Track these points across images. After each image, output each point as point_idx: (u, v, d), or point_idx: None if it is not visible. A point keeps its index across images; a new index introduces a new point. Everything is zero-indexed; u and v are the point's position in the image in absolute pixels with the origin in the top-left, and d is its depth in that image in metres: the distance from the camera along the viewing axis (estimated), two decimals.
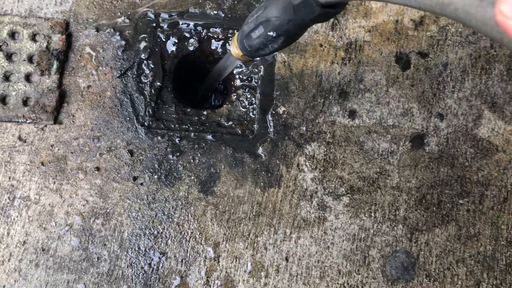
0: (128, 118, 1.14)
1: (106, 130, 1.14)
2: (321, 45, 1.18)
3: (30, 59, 1.19)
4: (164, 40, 1.20)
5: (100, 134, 1.13)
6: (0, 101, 1.15)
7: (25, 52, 1.19)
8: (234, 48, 0.81)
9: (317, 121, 1.14)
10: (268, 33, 0.63)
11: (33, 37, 1.20)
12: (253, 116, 1.18)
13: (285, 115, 1.15)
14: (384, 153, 1.10)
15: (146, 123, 1.15)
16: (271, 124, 1.16)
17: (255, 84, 1.20)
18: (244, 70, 1.21)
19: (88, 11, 1.20)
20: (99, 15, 1.20)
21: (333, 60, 1.18)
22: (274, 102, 1.16)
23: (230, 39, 1.19)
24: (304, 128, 1.14)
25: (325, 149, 1.10)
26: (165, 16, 1.20)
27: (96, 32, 1.18)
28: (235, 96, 1.24)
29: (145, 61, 1.18)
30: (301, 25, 0.60)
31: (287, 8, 0.58)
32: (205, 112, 1.21)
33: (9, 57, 1.19)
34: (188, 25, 1.19)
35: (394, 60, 1.18)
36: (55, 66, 1.17)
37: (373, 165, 1.09)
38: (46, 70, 1.19)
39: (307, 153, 1.11)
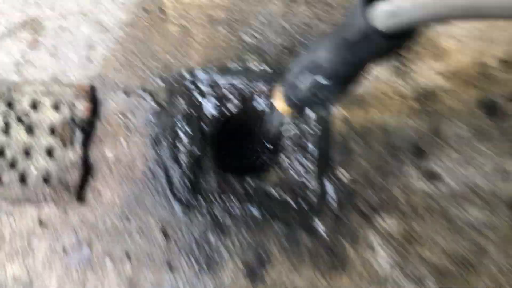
0: (162, 193, 1.70)
1: (136, 208, 1.71)
2: (386, 95, 1.72)
3: (52, 131, 1.87)
4: (202, 101, 1.82)
5: (130, 213, 1.71)
6: (19, 180, 1.79)
7: (46, 123, 1.87)
8: (278, 102, 1.03)
9: (387, 186, 1.62)
10: (317, 79, 0.78)
11: (55, 106, 1.89)
12: (309, 184, 1.70)
13: (347, 181, 1.64)
14: (476, 224, 1.53)
15: (182, 198, 1.70)
16: (332, 192, 1.65)
17: (310, 145, 1.75)
18: (296, 129, 1.78)
19: (116, 73, 1.87)
20: (128, 77, 1.87)
21: (402, 112, 1.66)
22: (334, 165, 1.69)
23: None
24: (373, 196, 1.62)
25: (401, 221, 1.52)
26: (202, 74, 1.84)
27: (125, 96, 1.84)
28: (287, 160, 1.78)
29: (181, 126, 1.79)
30: (358, 66, 0.74)
31: (340, 45, 0.72)
32: (251, 181, 1.75)
33: (30, 130, 1.87)
34: (229, 83, 1.80)
35: (479, 108, 1.67)
36: (79, 137, 1.82)
37: (463, 240, 1.51)
38: (69, 142, 1.84)
39: (378, 227, 1.47)
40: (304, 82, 0.88)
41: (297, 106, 1.01)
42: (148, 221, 1.57)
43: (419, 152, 1.57)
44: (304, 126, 1.72)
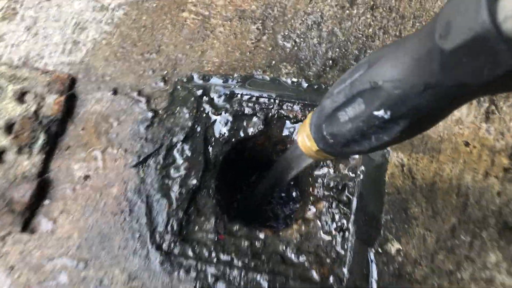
0: (137, 234, 1.38)
1: (100, 251, 1.38)
2: (467, 144, 1.39)
3: (8, 128, 1.56)
4: (212, 116, 1.51)
5: (89, 256, 1.37)
6: None
7: (3, 117, 1.57)
8: (304, 138, 0.89)
9: (459, 275, 1.27)
10: (375, 113, 0.65)
11: (19, 96, 1.59)
12: (343, 252, 1.35)
13: (400, 258, 1.31)
14: None
15: (164, 246, 1.37)
16: (374, 269, 1.31)
17: (350, 197, 1.41)
18: (332, 172, 1.45)
19: (106, 65, 1.59)
20: (121, 71, 1.58)
21: (488, 171, 1.36)
22: (382, 231, 1.34)
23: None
24: (436, 286, 1.27)
25: None
26: (218, 81, 1.54)
27: (113, 95, 1.54)
28: (314, 213, 1.44)
29: (178, 146, 1.47)
30: (449, 94, 0.57)
31: (423, 60, 0.57)
32: (262, 235, 1.42)
33: None
34: (251, 97, 1.50)
35: None
36: (41, 141, 1.50)
37: None
38: (26, 146, 1.53)
39: None
40: (351, 115, 0.71)
41: (331, 147, 0.83)
42: (112, 271, 1.22)
43: (508, 232, 1.20)
44: (346, 172, 1.37)
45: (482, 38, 0.46)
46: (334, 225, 1.37)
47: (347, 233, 1.35)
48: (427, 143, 1.37)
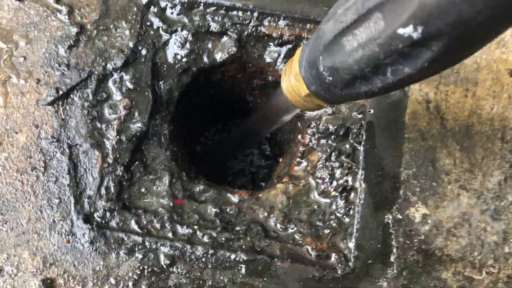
0: (56, 201, 0.97)
1: (8, 230, 0.97)
2: (511, 73, 1.06)
3: None
4: (163, 34, 1.07)
5: None
6: None
7: None
8: (290, 80, 0.75)
9: (507, 249, 0.96)
10: (399, 31, 0.52)
11: None
12: (347, 220, 1.00)
13: (427, 226, 0.97)
14: None
15: (96, 216, 0.96)
16: (392, 243, 0.97)
17: (355, 146, 1.04)
18: (330, 112, 1.06)
19: None
20: None
21: None
22: (402, 192, 0.99)
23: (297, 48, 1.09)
24: (477, 263, 0.95)
25: None
26: None
27: (17, 1, 1.08)
28: (306, 167, 1.07)
29: (115, 76, 1.04)
30: None
31: None
32: (235, 198, 1.04)
33: None
34: (219, 8, 1.06)
35: None
36: None
37: None
38: None
39: None
40: (361, 37, 0.57)
41: (328, 91, 0.68)
42: (18, 255, 0.86)
43: None
44: (348, 111, 1.02)
45: None
46: (335, 183, 1.02)
47: (352, 194, 1.00)
48: (459, 71, 1.02)
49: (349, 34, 0.59)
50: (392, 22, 0.53)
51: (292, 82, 0.76)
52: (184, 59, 1.08)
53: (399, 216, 0.97)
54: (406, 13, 0.51)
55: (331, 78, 0.65)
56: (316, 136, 1.07)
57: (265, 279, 0.94)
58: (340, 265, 0.95)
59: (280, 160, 1.35)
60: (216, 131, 1.48)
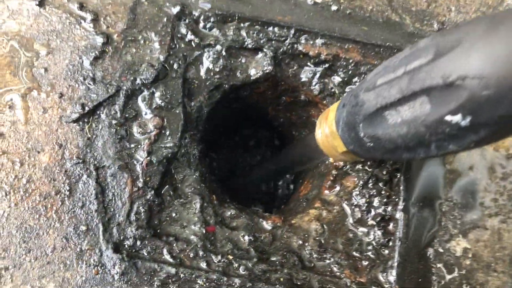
0: (83, 228, 0.91)
1: (22, 255, 0.90)
2: None
3: None
4: (195, 48, 1.01)
5: (5, 263, 0.89)
6: None
7: None
8: (325, 134, 0.75)
9: None
10: (447, 118, 0.52)
11: None
12: (387, 252, 0.97)
13: (468, 261, 0.96)
14: None
15: (127, 244, 0.91)
16: (435, 277, 0.96)
17: (393, 173, 1.02)
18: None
19: None
20: None
21: None
22: (444, 221, 0.98)
23: (334, 77, 1.05)
24: None
25: None
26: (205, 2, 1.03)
27: (38, 7, 1.00)
28: (338, 192, 1.05)
29: (145, 92, 0.98)
30: None
31: None
32: (268, 225, 1.00)
33: None
34: (255, 23, 1.00)
35: None
36: None
37: None
38: None
39: None
40: (405, 115, 0.58)
41: (368, 153, 0.67)
42: (45, 286, 0.79)
43: None
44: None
45: None
46: (372, 212, 0.99)
47: (391, 224, 0.98)
48: None
49: (392, 109, 0.60)
50: (440, 108, 0.53)
51: (328, 137, 0.76)
52: (217, 76, 1.03)
53: (440, 250, 0.96)
54: (454, 102, 0.51)
55: (372, 144, 0.66)
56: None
57: None
58: None
59: (302, 179, 1.32)
60: (232, 143, 1.44)
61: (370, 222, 1.00)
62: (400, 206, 0.99)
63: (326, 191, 1.07)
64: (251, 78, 1.06)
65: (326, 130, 0.76)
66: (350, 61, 1.05)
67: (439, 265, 0.96)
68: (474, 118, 0.51)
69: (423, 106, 0.55)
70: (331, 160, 0.87)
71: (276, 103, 1.20)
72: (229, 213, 1.01)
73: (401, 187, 1.00)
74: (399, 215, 0.98)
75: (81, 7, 0.99)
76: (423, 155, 0.60)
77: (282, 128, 1.39)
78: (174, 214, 0.97)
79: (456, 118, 0.52)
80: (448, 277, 0.95)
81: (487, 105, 0.49)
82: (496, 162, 1.00)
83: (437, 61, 0.53)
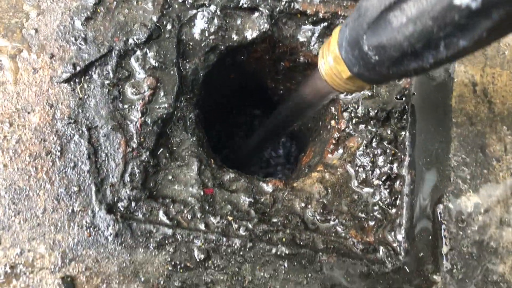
0: (75, 188, 0.88)
1: (11, 217, 0.87)
2: None
3: None
4: (190, 8, 0.99)
5: (6, 227, 0.86)
6: None
7: None
8: (328, 62, 0.73)
9: None
10: (456, 2, 0.49)
11: None
12: (394, 211, 0.93)
13: (480, 216, 0.92)
14: None
15: (121, 205, 0.87)
16: (444, 234, 0.92)
17: (398, 132, 0.98)
18: (368, 96, 1.00)
19: None
20: None
21: None
22: (453, 179, 0.94)
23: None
24: None
25: None
26: None
27: None
28: (342, 155, 1.01)
29: (138, 52, 0.95)
30: None
31: None
32: (268, 187, 0.96)
33: None
34: None
35: None
36: None
37: None
38: None
39: None
40: (411, 11, 0.54)
41: (373, 71, 0.64)
42: (33, 249, 0.76)
43: None
44: (388, 93, 0.97)
45: None
46: (377, 171, 0.96)
47: (398, 182, 0.94)
48: (505, 53, 0.98)
49: (396, 9, 0.56)
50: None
51: (332, 64, 0.73)
52: (212, 37, 1.01)
53: (450, 206, 0.92)
54: None
55: (377, 57, 0.62)
56: (354, 121, 1.01)
57: (309, 274, 0.87)
58: (389, 259, 0.89)
59: (304, 150, 1.28)
60: (231, 118, 1.40)
61: (376, 182, 0.97)
62: (406, 163, 0.95)
63: (329, 155, 1.04)
64: (248, 39, 1.03)
65: (329, 58, 0.73)
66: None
67: (450, 222, 0.91)
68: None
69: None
70: (337, 93, 0.83)
71: (275, 70, 1.18)
72: (228, 176, 0.98)
73: (407, 143, 0.96)
74: (405, 172, 0.95)
75: None
76: (432, 60, 0.57)
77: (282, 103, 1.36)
78: (170, 177, 0.93)
79: (466, 0, 0.48)
80: (460, 232, 0.91)
81: None
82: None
83: None
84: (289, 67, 1.15)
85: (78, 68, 0.92)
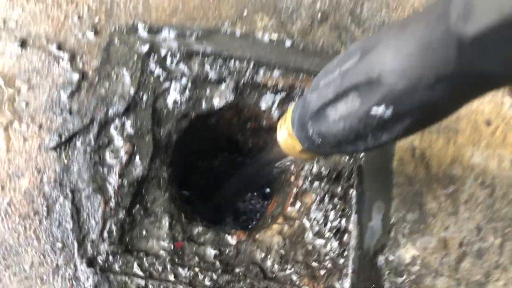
0: (59, 245, 1.00)
1: (1, 271, 0.99)
2: (488, 123, 1.17)
3: None
4: (162, 81, 1.14)
5: None
6: None
7: None
8: (285, 135, 0.83)
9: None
10: (373, 110, 0.59)
11: None
12: (342, 261, 1.07)
13: (417, 267, 1.05)
14: None
15: (100, 259, 1.00)
16: (387, 283, 1.05)
17: (347, 189, 1.12)
18: (322, 157, 1.15)
19: (10, 6, 1.15)
20: (33, 15, 1.15)
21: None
22: (393, 233, 1.07)
23: (291, 104, 1.17)
24: None
25: None
26: (172, 35, 1.17)
27: (20, 48, 1.13)
28: (299, 208, 1.14)
29: (117, 122, 1.10)
30: (470, 90, 0.55)
31: (434, 47, 0.52)
32: (233, 240, 1.09)
33: None
34: (217, 58, 1.15)
35: None
36: None
37: None
38: None
39: None
40: (343, 112, 0.64)
41: (318, 147, 0.75)
42: None
43: None
44: (337, 157, 1.11)
45: None
46: (329, 225, 1.09)
47: (346, 235, 1.07)
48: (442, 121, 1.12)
49: (331, 106, 0.66)
50: (367, 102, 0.60)
51: (287, 137, 0.83)
52: (183, 106, 1.15)
53: (391, 257, 1.06)
54: (377, 96, 0.58)
55: (320, 140, 0.72)
56: (309, 178, 1.15)
57: None
58: None
59: (270, 200, 1.42)
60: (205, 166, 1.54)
61: (327, 234, 1.10)
62: (353, 218, 1.09)
63: (289, 208, 1.17)
64: (216, 107, 1.17)
65: (285, 132, 0.83)
66: (305, 89, 1.17)
67: (390, 272, 1.05)
68: (395, 108, 0.57)
69: (354, 101, 0.62)
70: (294, 159, 0.96)
71: (243, 130, 1.32)
72: (197, 230, 1.10)
73: (354, 201, 1.10)
74: (352, 226, 1.08)
75: (59, 47, 1.12)
76: (363, 147, 0.66)
77: (253, 153, 1.50)
78: (144, 232, 1.06)
79: (381, 110, 0.58)
80: (399, 282, 1.04)
81: (405, 96, 0.55)
82: (440, 173, 1.11)
83: (362, 60, 0.60)
84: (255, 127, 1.30)
85: (63, 138, 1.05)
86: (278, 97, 1.19)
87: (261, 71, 1.18)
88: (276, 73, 1.18)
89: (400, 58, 0.55)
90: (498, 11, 0.43)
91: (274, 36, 1.19)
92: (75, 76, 1.10)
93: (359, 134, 0.64)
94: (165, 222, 1.07)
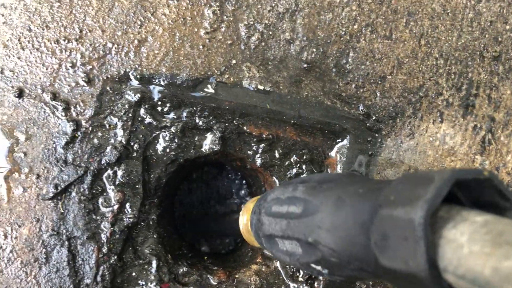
0: None
1: None
2: None
3: None
4: (153, 129, 1.22)
5: None
6: None
7: None
8: (245, 225, 0.92)
9: None
10: (312, 265, 0.66)
11: None
12: None
13: None
14: None
15: None
16: None
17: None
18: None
19: (7, 55, 1.20)
20: (29, 65, 1.20)
21: None
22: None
23: (275, 152, 1.25)
24: None
25: None
26: (161, 83, 1.23)
27: (17, 98, 1.19)
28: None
29: (109, 171, 1.19)
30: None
31: (362, 245, 0.54)
32: (214, 281, 1.22)
33: None
34: (205, 106, 1.22)
35: None
36: None
37: None
38: None
39: None
40: (289, 250, 0.72)
41: (266, 249, 0.85)
42: None
43: None
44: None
45: (418, 279, 0.46)
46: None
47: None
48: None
49: (279, 239, 0.73)
50: (307, 256, 0.66)
51: (246, 231, 0.94)
52: (172, 152, 1.24)
53: None
54: (314, 257, 0.64)
55: (270, 248, 0.79)
56: None
57: None
58: None
59: None
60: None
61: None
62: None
63: None
64: (203, 152, 1.26)
65: (243, 226, 0.93)
66: (288, 139, 1.26)
67: None
68: (330, 272, 0.64)
69: (297, 248, 0.67)
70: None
71: (230, 165, 1.42)
72: (181, 270, 1.23)
73: None
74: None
75: (54, 97, 1.19)
76: (309, 272, 0.78)
77: (243, 174, 1.60)
78: (134, 274, 1.19)
79: (318, 267, 0.65)
80: None
81: (336, 267, 0.61)
82: None
83: (302, 219, 0.65)
84: (240, 166, 1.39)
85: (59, 188, 1.15)
86: (262, 145, 1.27)
87: (247, 120, 1.25)
88: (261, 122, 1.25)
89: (334, 238, 0.59)
90: (405, 265, 0.47)
91: (260, 86, 1.25)
92: (70, 127, 1.18)
93: (304, 269, 0.72)
94: (153, 264, 1.20)
